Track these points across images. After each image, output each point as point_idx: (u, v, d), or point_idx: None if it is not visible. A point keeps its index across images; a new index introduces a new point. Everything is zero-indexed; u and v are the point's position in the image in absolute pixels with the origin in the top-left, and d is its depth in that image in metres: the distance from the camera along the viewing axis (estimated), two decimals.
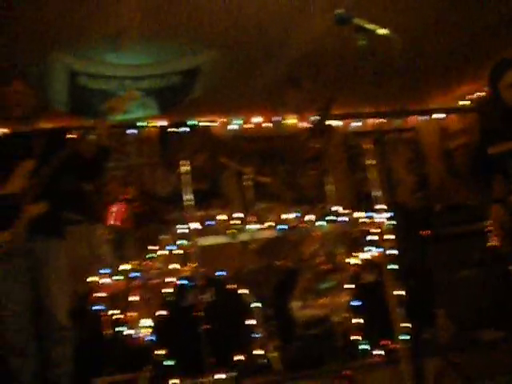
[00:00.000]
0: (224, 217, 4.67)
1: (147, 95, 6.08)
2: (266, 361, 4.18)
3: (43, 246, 3.96)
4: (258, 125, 8.30)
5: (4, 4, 4.65)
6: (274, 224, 4.72)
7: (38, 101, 4.31)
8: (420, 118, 9.31)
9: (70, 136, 4.51)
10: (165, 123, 7.84)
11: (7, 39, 5.18)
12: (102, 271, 5.12)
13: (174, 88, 6.14)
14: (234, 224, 4.62)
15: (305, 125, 7.70)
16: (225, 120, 8.14)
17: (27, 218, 3.86)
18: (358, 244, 4.91)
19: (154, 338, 4.11)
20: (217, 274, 4.50)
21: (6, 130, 4.49)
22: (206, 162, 4.62)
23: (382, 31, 2.72)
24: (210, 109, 7.59)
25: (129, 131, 7.76)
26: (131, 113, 6.14)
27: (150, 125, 7.84)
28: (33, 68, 5.54)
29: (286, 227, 4.73)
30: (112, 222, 5.17)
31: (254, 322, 4.19)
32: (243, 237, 4.65)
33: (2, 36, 5.11)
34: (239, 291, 4.29)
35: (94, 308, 5.06)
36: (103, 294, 4.94)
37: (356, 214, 4.86)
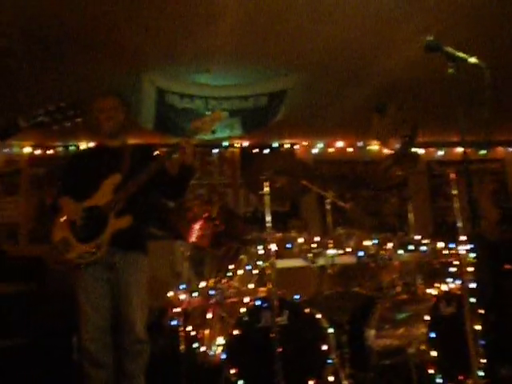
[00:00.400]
0: (303, 240, 4.66)
1: (232, 116, 6.14)
2: None
3: (125, 260, 4.04)
4: (341, 149, 8.27)
5: (99, 26, 4.81)
6: (353, 250, 4.68)
7: (128, 117, 4.43)
8: (508, 149, 9.09)
9: (157, 153, 4.61)
10: (248, 144, 7.92)
11: (101, 57, 5.35)
12: (180, 287, 5.19)
13: (259, 109, 6.18)
14: (313, 248, 4.60)
15: (388, 151, 7.64)
16: (308, 143, 8.16)
17: (111, 232, 3.96)
18: (438, 275, 4.81)
19: (226, 356, 4.12)
20: (293, 296, 4.48)
21: (95, 144, 4.63)
22: (287, 184, 4.61)
23: (472, 60, 2.69)
24: (293, 131, 7.62)
25: (213, 151, 7.87)
26: (216, 133, 6.22)
27: (234, 145, 7.94)
28: (123, 85, 5.72)
29: (365, 254, 4.68)
30: (193, 240, 5.23)
31: (327, 347, 4.15)
32: (321, 261, 4.63)
33: (96, 54, 5.28)
34: (314, 315, 4.26)
35: (170, 323, 5.12)
36: (180, 310, 4.99)
37: (436, 244, 4.77)
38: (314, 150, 8.17)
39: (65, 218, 4.06)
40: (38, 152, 7.53)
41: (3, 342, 5.09)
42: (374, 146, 8.27)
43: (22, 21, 4.66)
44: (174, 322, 5.06)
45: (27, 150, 7.50)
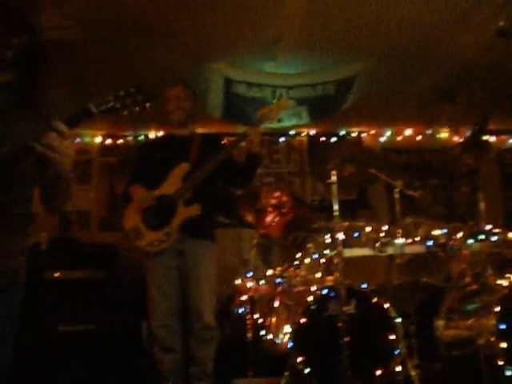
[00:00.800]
0: (371, 229, 4.62)
1: (299, 104, 6.12)
2: (404, 378, 4.09)
3: (194, 248, 4.09)
4: (410, 137, 8.15)
5: (166, 15, 4.86)
6: (421, 239, 4.62)
7: (196, 106, 4.47)
8: None
9: (225, 142, 4.64)
10: (315, 132, 7.89)
11: (169, 47, 5.41)
12: (247, 275, 5.22)
13: (326, 98, 6.14)
14: (381, 237, 4.57)
15: (458, 139, 7.50)
16: (376, 131, 8.07)
17: (181, 220, 4.02)
18: (509, 265, 4.70)
19: (293, 344, 4.13)
20: (360, 286, 4.45)
21: (164, 134, 4.70)
22: (354, 173, 4.57)
23: None
24: (361, 119, 7.54)
25: (280, 139, 7.87)
26: (283, 121, 6.22)
27: (301, 133, 7.92)
28: (191, 75, 5.78)
29: (434, 243, 4.62)
30: (261, 228, 5.25)
31: (395, 337, 4.12)
32: (389, 250, 4.59)
33: (164, 44, 5.34)
34: (382, 305, 4.23)
35: (237, 311, 5.17)
36: (247, 298, 5.03)
37: (507, 234, 4.66)
38: (382, 138, 8.07)
39: (135, 206, 4.14)
40: (108, 141, 7.67)
41: (73, 327, 5.22)
42: (444, 134, 8.12)
43: (91, 11, 4.75)
44: (241, 310, 5.10)
45: (98, 139, 7.64)
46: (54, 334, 5.16)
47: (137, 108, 2.19)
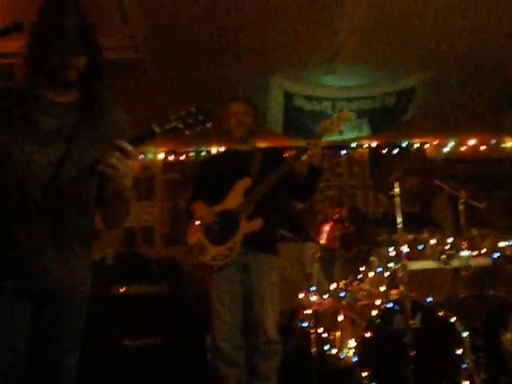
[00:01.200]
0: (435, 241, 4.56)
1: (360, 116, 6.09)
2: None
3: (257, 262, 4.10)
4: (474, 147, 8.01)
5: (226, 32, 4.92)
6: (488, 251, 4.53)
7: (257, 121, 4.50)
8: None
9: (285, 155, 4.65)
10: (377, 144, 7.83)
11: (229, 63, 5.46)
12: (311, 289, 5.20)
13: (387, 109, 6.10)
14: (446, 249, 4.49)
15: None
16: (438, 141, 7.95)
17: (243, 234, 4.04)
18: None
19: (358, 359, 4.09)
20: (425, 299, 4.39)
21: (225, 149, 4.74)
22: (418, 185, 4.52)
23: None
24: (423, 130, 7.45)
25: (341, 152, 7.84)
26: (344, 133, 6.19)
27: (363, 145, 7.87)
28: (251, 89, 5.82)
29: (500, 255, 4.52)
30: (323, 241, 5.23)
31: (462, 351, 4.04)
32: (455, 263, 4.51)
33: (224, 60, 5.40)
34: (448, 319, 4.16)
35: (301, 325, 5.15)
36: (311, 312, 5.01)
37: None
38: (445, 149, 7.95)
39: (198, 221, 4.18)
40: (171, 158, 7.79)
41: (139, 342, 5.29)
42: (509, 143, 7.95)
43: (151, 30, 4.84)
44: (305, 324, 5.09)
45: (161, 156, 7.76)
46: (120, 348, 5.23)
47: (198, 128, 2.22)
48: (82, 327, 2.35)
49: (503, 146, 7.98)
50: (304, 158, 4.22)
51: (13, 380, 2.13)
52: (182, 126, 2.18)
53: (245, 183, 4.15)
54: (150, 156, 7.69)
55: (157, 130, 2.15)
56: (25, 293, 2.19)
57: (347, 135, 6.42)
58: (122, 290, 5.53)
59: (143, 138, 2.17)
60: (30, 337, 2.20)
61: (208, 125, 2.23)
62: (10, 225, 2.11)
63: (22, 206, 2.14)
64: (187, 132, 2.21)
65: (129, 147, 2.11)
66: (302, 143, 4.29)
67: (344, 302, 4.85)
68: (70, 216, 2.27)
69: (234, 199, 4.12)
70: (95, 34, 2.35)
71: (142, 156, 7.60)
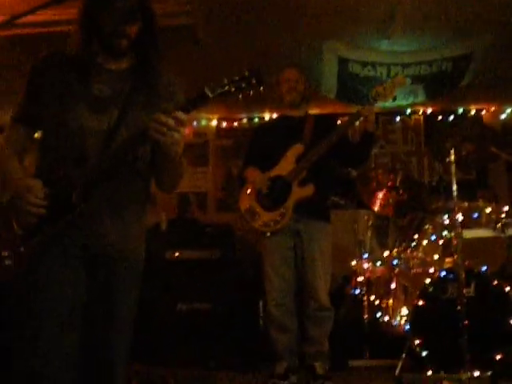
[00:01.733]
0: (491, 209, 4.48)
1: (415, 82, 5.99)
2: None
3: (309, 228, 4.11)
4: None
5: None
6: None
7: (309, 87, 4.47)
8: None
9: (338, 122, 4.62)
10: (432, 110, 7.70)
11: (283, 28, 5.42)
12: (363, 256, 5.19)
13: (443, 75, 5.98)
14: (502, 217, 4.42)
15: None
16: (496, 108, 7.77)
17: (295, 200, 4.04)
18: None
19: (410, 327, 4.08)
20: (480, 268, 4.33)
21: (277, 115, 4.72)
22: (474, 152, 4.43)
23: None
24: (479, 96, 7.28)
25: (395, 118, 7.73)
26: (398, 99, 6.10)
27: (418, 112, 7.75)
28: (305, 56, 5.77)
29: None
30: (376, 209, 5.20)
31: None
32: (510, 231, 4.43)
33: (276, 25, 5.35)
34: (503, 288, 4.09)
35: (354, 292, 5.16)
36: (363, 279, 5.00)
37: None
38: (503, 116, 7.77)
39: (251, 187, 4.20)
40: (224, 124, 7.80)
41: (192, 305, 5.36)
42: None
43: None
44: (357, 291, 5.08)
45: (214, 122, 7.79)
46: (173, 312, 5.32)
47: (251, 91, 2.20)
48: (137, 291, 2.39)
49: None
50: (357, 124, 4.19)
51: (68, 334, 2.18)
52: (234, 89, 2.17)
53: (297, 149, 4.14)
54: (203, 122, 7.72)
55: (209, 93, 2.14)
56: (80, 255, 2.23)
57: (402, 101, 6.33)
58: (175, 255, 5.60)
59: (195, 102, 2.17)
60: (86, 297, 2.25)
61: (260, 88, 2.22)
62: (68, 189, 2.15)
63: (79, 170, 2.18)
64: (240, 95, 2.20)
65: (181, 115, 2.12)
66: (355, 109, 4.23)
67: (397, 270, 4.83)
68: (124, 181, 2.30)
69: (286, 165, 4.12)
70: (149, 0, 2.35)
71: (195, 123, 7.63)
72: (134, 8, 2.27)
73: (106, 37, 2.30)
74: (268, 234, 4.10)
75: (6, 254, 2.18)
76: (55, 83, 2.30)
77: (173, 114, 2.11)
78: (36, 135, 2.41)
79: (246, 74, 2.19)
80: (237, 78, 2.18)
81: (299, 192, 4.05)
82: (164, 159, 2.27)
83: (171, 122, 2.10)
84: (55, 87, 2.29)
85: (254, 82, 2.19)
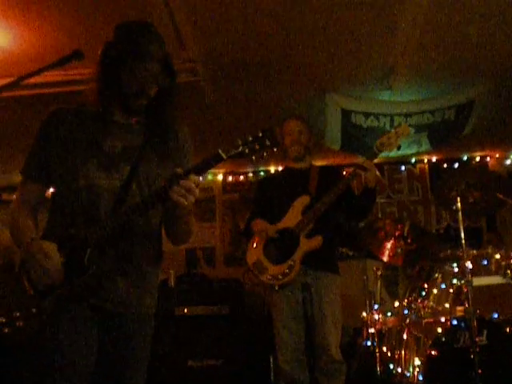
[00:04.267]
0: (500, 256, 4.45)
1: (419, 131, 6.03)
2: None
3: (318, 281, 4.07)
4: None
5: (283, 51, 4.95)
6: None
7: (313, 139, 4.49)
8: None
9: (343, 173, 4.63)
10: (437, 159, 7.73)
11: (286, 81, 5.49)
12: (374, 307, 5.14)
13: (447, 123, 6.02)
14: (511, 264, 4.39)
15: None
16: (500, 154, 7.80)
17: (303, 252, 4.02)
18: None
19: (423, 377, 4.02)
20: (492, 315, 4.28)
21: (283, 168, 4.75)
22: (480, 199, 4.43)
23: None
24: (484, 143, 7.32)
25: (401, 168, 7.76)
26: (403, 149, 6.13)
27: (422, 161, 7.78)
28: (308, 108, 5.83)
29: None
30: (385, 259, 5.17)
31: None
32: None
33: (280, 78, 5.43)
34: None
35: (365, 343, 5.09)
36: (375, 330, 4.95)
37: None
38: (508, 161, 7.80)
39: (257, 241, 4.19)
40: (230, 178, 7.85)
41: (202, 362, 5.31)
42: None
43: (208, 53, 4.90)
44: (368, 343, 5.02)
45: (220, 177, 7.84)
46: (184, 368, 5.27)
47: (265, 153, 2.20)
48: (148, 347, 2.38)
49: None
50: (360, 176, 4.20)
51: None
52: (248, 151, 2.16)
53: (303, 201, 4.14)
54: (209, 177, 7.77)
55: (223, 155, 2.14)
56: (93, 314, 2.24)
57: (407, 150, 6.36)
58: (185, 311, 5.57)
59: (209, 164, 2.17)
60: (98, 355, 2.24)
61: (275, 149, 2.21)
62: (80, 250, 2.15)
63: (91, 230, 2.18)
64: (253, 158, 2.20)
65: (196, 178, 2.12)
66: (359, 160, 4.25)
67: (408, 320, 4.77)
68: (137, 240, 2.32)
69: (292, 217, 4.12)
70: (172, 61, 2.37)
71: (201, 178, 7.66)
72: (161, 69, 2.30)
73: (127, 96, 2.31)
74: (276, 288, 4.07)
75: (17, 314, 2.17)
76: (65, 138, 2.32)
77: (191, 177, 2.12)
78: (48, 192, 2.43)
79: (260, 134, 2.18)
80: (250, 138, 2.17)
81: (307, 244, 4.03)
82: (177, 218, 2.28)
83: (193, 185, 2.11)
84: (65, 142, 2.31)
85: (267, 143, 2.17)
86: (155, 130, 2.40)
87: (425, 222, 7.46)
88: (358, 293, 5.69)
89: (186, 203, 2.12)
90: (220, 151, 2.15)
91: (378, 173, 4.23)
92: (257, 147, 2.17)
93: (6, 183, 7.50)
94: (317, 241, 4.04)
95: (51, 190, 2.39)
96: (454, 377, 3.91)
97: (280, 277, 4.02)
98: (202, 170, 2.17)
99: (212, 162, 2.16)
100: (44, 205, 2.42)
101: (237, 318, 5.60)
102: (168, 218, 2.36)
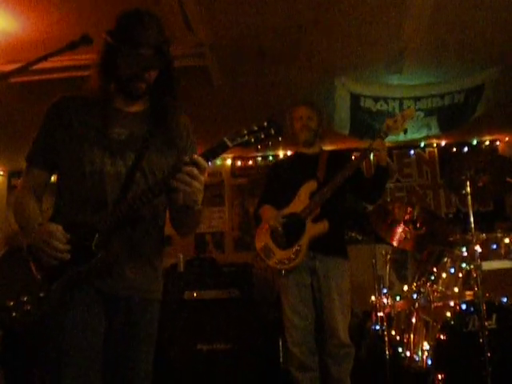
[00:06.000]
0: (509, 240, 4.44)
1: (428, 115, 6.00)
2: None
3: (325, 265, 4.09)
4: None
5: (292, 35, 4.92)
6: None
7: (322, 125, 4.48)
8: None
9: (352, 157, 4.62)
10: (446, 143, 7.70)
11: (295, 66, 5.47)
12: (383, 291, 5.15)
13: (456, 107, 5.99)
14: None
15: None
16: (510, 138, 7.76)
17: (310, 237, 4.03)
18: None
19: (432, 361, 4.02)
20: (501, 299, 4.28)
21: (292, 153, 4.75)
22: (490, 183, 4.41)
23: None
24: (493, 127, 7.28)
25: (410, 152, 7.73)
26: (412, 133, 6.12)
27: (432, 145, 7.75)
28: (317, 93, 5.81)
29: None
30: (395, 243, 5.17)
31: None
32: None
33: (289, 63, 5.41)
34: None
35: (374, 327, 5.10)
36: (384, 314, 4.95)
37: None
38: None
39: (265, 226, 4.20)
40: (238, 163, 7.84)
41: (212, 346, 5.34)
42: None
43: (216, 37, 4.89)
44: (377, 327, 5.03)
45: (228, 161, 7.83)
46: (193, 352, 5.30)
47: (270, 142, 2.22)
48: (155, 331, 2.40)
49: None
50: (370, 158, 4.20)
51: (88, 376, 2.19)
52: (253, 140, 2.18)
53: (310, 186, 4.15)
54: (218, 162, 7.76)
55: (229, 143, 2.17)
56: (99, 299, 2.26)
57: (416, 135, 6.34)
58: (194, 295, 5.59)
59: (215, 152, 2.19)
60: (104, 338, 2.27)
61: (279, 138, 2.23)
62: (88, 235, 2.17)
63: (99, 216, 2.20)
64: (259, 146, 2.21)
65: (203, 162, 2.13)
66: (367, 144, 4.24)
67: (417, 304, 4.77)
68: (143, 226, 2.34)
69: (299, 202, 4.12)
70: (169, 48, 2.38)
71: (210, 163, 7.67)
72: (154, 54, 2.30)
73: (124, 81, 2.35)
74: (283, 272, 4.08)
75: (25, 298, 2.19)
76: (71, 125, 2.34)
77: (196, 160, 2.12)
78: (52, 179, 2.44)
79: (265, 124, 2.21)
80: (256, 128, 2.20)
81: (313, 229, 4.04)
82: (183, 207, 2.28)
83: (196, 172, 2.12)
84: (71, 129, 2.33)
85: (272, 132, 2.20)
86: (157, 117, 2.42)
87: (434, 206, 7.44)
88: (367, 277, 5.70)
89: (190, 190, 2.12)
90: (226, 139, 2.17)
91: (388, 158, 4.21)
92: (262, 136, 2.19)
93: (16, 169, 7.55)
94: (323, 225, 4.05)
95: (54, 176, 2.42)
96: (463, 361, 3.91)
97: (286, 262, 4.04)
98: (207, 158, 2.18)
99: (218, 150, 2.19)
100: (47, 191, 2.44)
101: (246, 302, 5.61)
102: (175, 208, 2.37)
